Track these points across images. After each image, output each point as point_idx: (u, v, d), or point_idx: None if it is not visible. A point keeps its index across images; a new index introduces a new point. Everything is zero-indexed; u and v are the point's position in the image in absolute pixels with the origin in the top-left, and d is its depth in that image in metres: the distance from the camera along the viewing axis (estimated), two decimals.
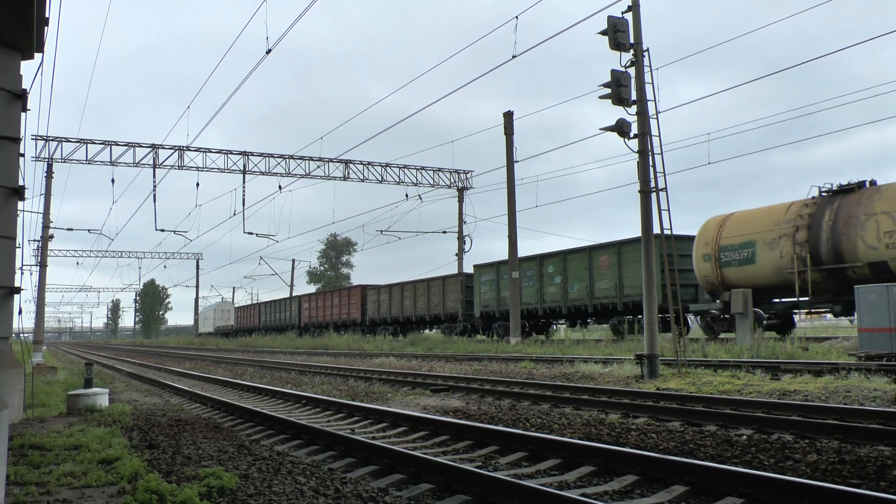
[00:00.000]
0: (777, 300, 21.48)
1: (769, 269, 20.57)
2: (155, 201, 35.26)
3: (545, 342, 27.83)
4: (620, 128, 13.92)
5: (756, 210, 21.91)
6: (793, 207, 20.50)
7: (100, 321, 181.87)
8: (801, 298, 19.76)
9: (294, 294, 58.45)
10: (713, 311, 21.87)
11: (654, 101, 14.19)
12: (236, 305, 74.27)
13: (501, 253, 31.03)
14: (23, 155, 9.46)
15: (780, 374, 12.28)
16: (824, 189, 20.08)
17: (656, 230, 14.12)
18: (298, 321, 51.54)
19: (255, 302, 68.23)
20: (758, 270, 20.87)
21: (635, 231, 25.32)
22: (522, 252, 29.05)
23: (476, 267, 33.21)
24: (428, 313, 36.85)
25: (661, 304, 22.30)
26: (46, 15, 9.02)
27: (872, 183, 19.36)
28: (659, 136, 14.17)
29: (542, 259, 29.05)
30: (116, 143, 35.17)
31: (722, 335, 22.27)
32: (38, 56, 9.60)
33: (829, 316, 19.25)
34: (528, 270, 29.42)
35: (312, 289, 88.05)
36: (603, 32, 14.02)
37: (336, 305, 46.27)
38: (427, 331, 37.60)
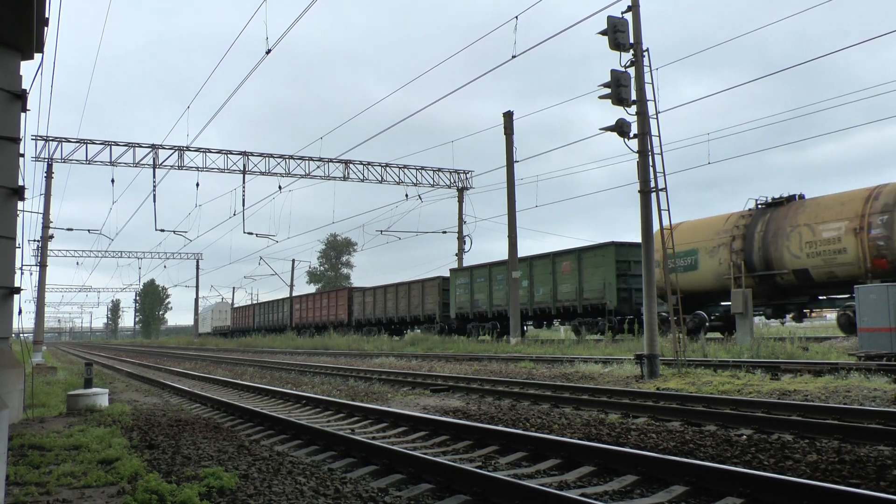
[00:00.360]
0: (722, 303, 22.92)
1: (710, 275, 22.28)
2: (155, 201, 35.28)
3: (542, 342, 27.83)
4: (620, 128, 13.92)
5: (700, 220, 23.61)
6: (731, 218, 22.21)
7: (100, 321, 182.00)
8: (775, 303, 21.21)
9: (287, 296, 60.01)
10: (662, 314, 22.54)
11: (654, 101, 14.21)
12: (233, 306, 75.70)
13: (501, 253, 31.52)
14: (23, 155, 9.46)
15: (779, 374, 12.28)
16: (760, 202, 21.82)
17: (657, 229, 14.12)
18: (290, 321, 53.45)
19: (251, 303, 70.52)
20: (700, 276, 22.59)
21: (635, 230, 25.53)
22: (518, 253, 29.13)
23: (452, 271, 35.08)
24: (409, 314, 38.74)
25: (616, 307, 25.65)
26: (46, 15, 9.02)
27: (801, 197, 21.14)
28: (659, 136, 14.19)
29: (497, 265, 31.50)
30: (116, 144, 35.17)
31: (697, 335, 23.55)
32: (37, 56, 9.60)
33: (830, 315, 19.62)
34: (498, 275, 31.32)
35: (312, 289, 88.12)
36: (603, 32, 14.02)
37: (325, 307, 48.09)
38: (409, 331, 39.58)
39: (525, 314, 29.57)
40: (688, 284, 21.99)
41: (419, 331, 37.75)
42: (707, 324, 22.69)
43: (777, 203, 21.45)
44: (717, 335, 22.79)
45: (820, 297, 20.82)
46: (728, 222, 22.25)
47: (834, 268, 19.25)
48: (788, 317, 21.88)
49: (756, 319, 22.37)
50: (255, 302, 70.70)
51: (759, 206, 21.88)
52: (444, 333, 34.71)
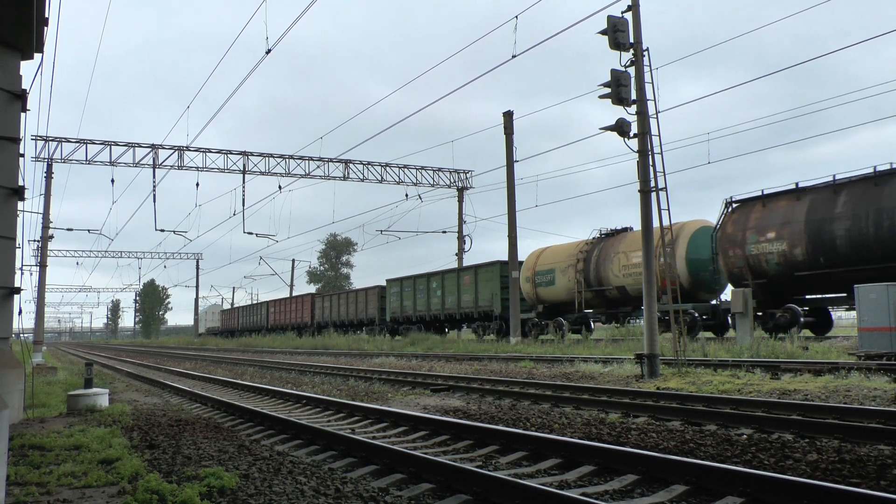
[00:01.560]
0: (573, 312, 28.50)
1: (563, 289, 28.25)
2: (155, 201, 35.27)
3: (542, 343, 27.87)
4: (620, 127, 13.92)
5: (557, 246, 29.83)
6: (579, 245, 28.12)
7: (100, 321, 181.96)
8: (578, 311, 27.85)
9: (263, 300, 65.60)
10: (533, 319, 29.67)
11: (654, 100, 14.20)
12: (224, 308, 79.75)
13: (501, 252, 32.11)
14: (23, 155, 9.46)
15: (779, 374, 12.28)
16: (604, 232, 27.61)
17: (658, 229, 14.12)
18: (266, 323, 59.35)
19: (235, 306, 76.71)
20: (556, 290, 28.59)
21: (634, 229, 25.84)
22: (518, 254, 29.45)
23: (388, 281, 40.38)
24: (356, 317, 44.23)
25: (501, 314, 31.11)
26: (46, 15, 9.02)
27: (630, 229, 26.87)
28: (659, 135, 14.18)
29: (428, 277, 36.31)
30: (116, 144, 35.16)
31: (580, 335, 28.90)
32: (37, 56, 9.60)
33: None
34: (420, 286, 36.51)
35: (312, 289, 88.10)
36: (603, 32, 14.01)
37: (293, 310, 53.68)
38: (357, 331, 44.44)
39: (439, 318, 35.43)
40: (548, 296, 28.81)
41: (364, 331, 43.00)
42: (564, 327, 28.13)
43: (609, 234, 27.31)
44: (577, 336, 28.38)
45: (641, 308, 22.46)
46: (576, 248, 28.03)
47: (641, 286, 21.22)
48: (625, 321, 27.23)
49: (601, 324, 28.97)
50: (238, 305, 76.45)
51: (599, 237, 27.60)
52: (381, 334, 39.68)
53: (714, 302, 24.09)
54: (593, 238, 27.70)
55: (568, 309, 28.38)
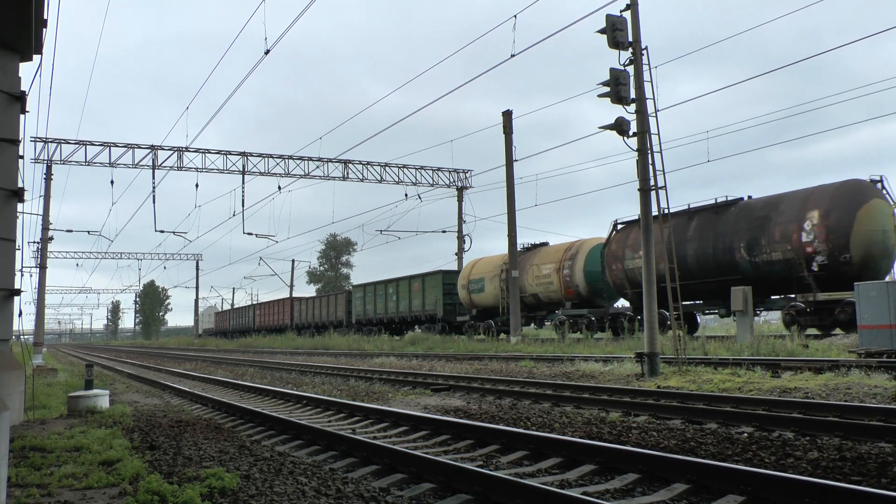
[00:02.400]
0: (499, 315, 31.64)
1: (491, 296, 32.11)
2: (154, 202, 35.26)
3: (542, 341, 27.89)
4: (619, 126, 13.92)
5: (488, 258, 33.54)
6: (503, 257, 30.82)
7: (100, 322, 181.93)
8: (502, 315, 30.61)
9: (256, 302, 70.77)
10: (469, 321, 33.63)
11: (653, 99, 14.20)
12: (215, 311, 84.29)
13: (500, 251, 32.41)
14: (22, 157, 9.45)
15: (780, 372, 12.28)
16: (525, 246, 30.83)
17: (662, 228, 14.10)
18: (253, 324, 63.85)
19: (226, 309, 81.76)
20: (486, 296, 32.50)
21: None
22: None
23: (353, 287, 46.06)
24: (327, 319, 48.56)
25: (443, 317, 35.52)
26: (45, 16, 9.01)
27: (546, 244, 30.63)
28: (658, 133, 14.18)
29: (386, 283, 40.84)
30: (115, 145, 35.16)
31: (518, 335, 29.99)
32: (36, 58, 9.60)
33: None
34: (380, 291, 41.35)
35: (313, 288, 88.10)
36: (601, 31, 14.01)
37: (275, 313, 58.49)
38: (328, 332, 47.48)
39: (394, 320, 39.76)
40: (480, 301, 32.97)
41: (336, 332, 45.87)
42: (493, 328, 31.52)
43: (528, 248, 30.94)
44: (504, 335, 30.51)
45: (556, 311, 29.42)
46: (501, 260, 31.25)
47: (550, 294, 28.90)
48: (546, 323, 31.25)
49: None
50: (228, 308, 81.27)
51: (519, 250, 29.99)
52: (348, 333, 43.02)
53: (605, 307, 27.74)
54: (519, 252, 30.46)
55: (496, 313, 32.05)
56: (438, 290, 35.86)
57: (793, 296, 20.15)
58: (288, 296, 60.48)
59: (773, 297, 21.27)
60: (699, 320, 25.92)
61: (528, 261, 29.94)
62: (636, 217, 23.39)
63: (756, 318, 23.29)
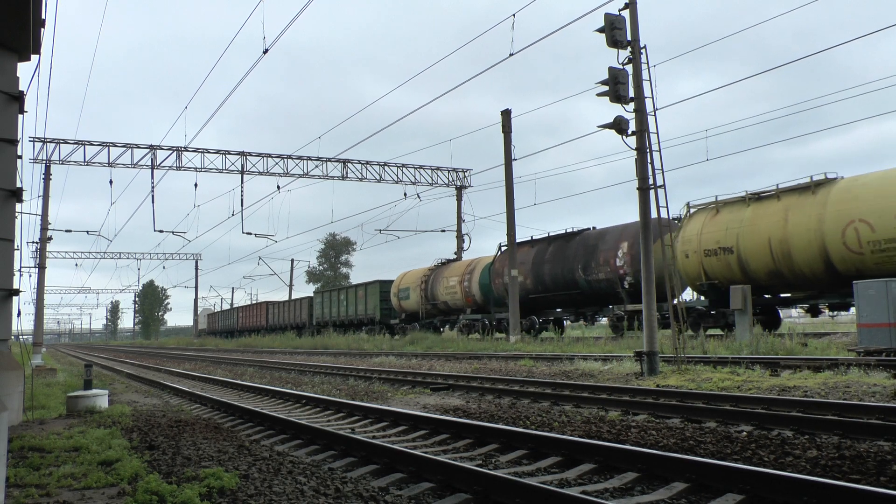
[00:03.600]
0: (421, 319, 37.86)
1: (414, 302, 37.76)
2: (153, 202, 35.24)
3: (543, 341, 27.90)
4: (618, 125, 13.91)
5: (413, 270, 39.43)
6: (424, 271, 37.74)
7: (99, 322, 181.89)
8: (423, 319, 37.27)
9: (236, 306, 78.89)
10: (399, 324, 39.16)
11: (652, 98, 14.20)
12: (208, 312, 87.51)
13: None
14: (20, 157, 9.44)
15: (779, 370, 12.29)
16: (440, 261, 37.31)
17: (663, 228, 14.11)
18: (236, 325, 69.51)
19: (217, 310, 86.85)
20: (410, 303, 38.19)
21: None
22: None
23: (314, 293, 53.07)
24: (294, 322, 54.16)
25: (381, 320, 41.35)
26: (43, 16, 9.00)
27: (457, 259, 37.25)
28: (657, 132, 14.18)
29: (339, 290, 47.73)
30: (114, 145, 35.14)
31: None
32: (34, 57, 9.59)
33: (827, 311, 21.19)
34: (334, 297, 47.51)
35: (312, 288, 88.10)
36: (600, 30, 14.00)
37: (254, 315, 64.75)
38: (295, 332, 53.86)
39: (343, 322, 45.58)
40: (406, 307, 38.69)
41: (300, 332, 52.30)
42: (417, 327, 37.24)
43: (443, 263, 37.20)
44: (431, 333, 35.17)
45: (460, 316, 35.09)
46: (422, 273, 37.71)
47: (455, 302, 34.93)
48: (455, 326, 35.77)
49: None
50: (218, 311, 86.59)
51: (435, 265, 37.15)
52: (309, 334, 49.55)
53: (493, 313, 32.46)
54: (432, 266, 37.78)
55: (417, 317, 37.78)
56: (377, 297, 41.70)
57: (611, 307, 26.24)
58: (263, 301, 66.32)
59: (606, 306, 26.92)
60: (572, 324, 32.37)
61: (441, 274, 36.01)
62: (525, 238, 30.48)
63: (597, 322, 29.88)
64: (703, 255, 21.89)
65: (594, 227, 27.70)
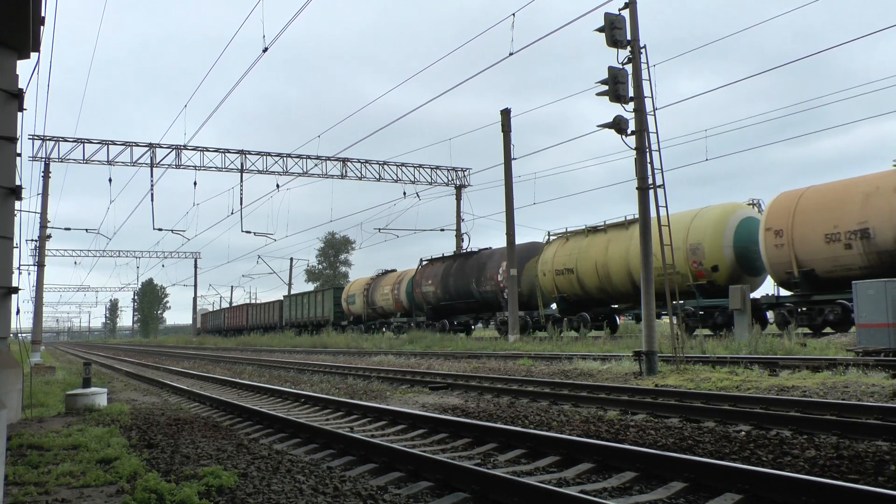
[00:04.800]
0: (366, 321, 44.50)
1: (359, 306, 44.49)
2: (153, 200, 35.22)
3: (540, 340, 27.92)
4: (618, 125, 13.91)
5: (360, 279, 46.86)
6: (368, 280, 44.71)
7: (98, 321, 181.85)
8: (366, 321, 44.04)
9: (224, 307, 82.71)
10: (349, 325, 45.89)
11: (652, 97, 14.20)
12: (202, 312, 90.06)
13: (498, 248, 32.54)
14: (19, 154, 9.44)
15: (777, 370, 12.30)
16: (380, 272, 43.90)
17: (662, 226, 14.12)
18: (224, 325, 75.19)
19: (210, 311, 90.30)
20: (357, 307, 44.83)
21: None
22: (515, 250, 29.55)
23: (284, 297, 57.72)
24: (268, 322, 60.27)
25: (334, 321, 47.63)
26: (42, 14, 9.00)
27: (394, 270, 43.14)
28: (657, 132, 14.18)
29: (303, 295, 54.11)
30: (114, 143, 35.12)
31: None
32: (34, 55, 9.58)
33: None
34: (299, 300, 53.91)
35: (311, 287, 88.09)
36: (600, 29, 14.00)
37: (238, 316, 70.76)
38: (273, 331, 58.85)
39: (307, 323, 51.35)
40: (353, 311, 45.48)
41: (274, 332, 57.22)
42: (362, 326, 44.04)
43: (381, 273, 43.74)
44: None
45: (390, 319, 42.03)
46: (365, 282, 44.83)
47: (389, 307, 41.17)
48: (386, 328, 42.66)
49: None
50: (210, 311, 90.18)
51: (376, 275, 44.01)
52: (281, 332, 54.08)
53: (414, 316, 38.65)
54: (373, 276, 44.56)
55: (360, 319, 44.61)
56: (331, 301, 47.97)
57: (496, 313, 32.25)
58: (245, 303, 73.26)
59: (493, 312, 32.89)
60: (473, 327, 37.78)
61: (379, 283, 42.94)
62: (436, 256, 37.10)
63: (490, 325, 34.74)
64: (555, 274, 27.87)
65: (490, 248, 33.41)
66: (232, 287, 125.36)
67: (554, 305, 28.91)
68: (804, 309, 19.51)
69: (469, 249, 34.82)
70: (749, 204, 22.99)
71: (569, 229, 27.96)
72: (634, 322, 27.56)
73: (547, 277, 28.19)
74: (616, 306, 26.70)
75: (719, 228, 22.10)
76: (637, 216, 14.39)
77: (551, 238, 29.05)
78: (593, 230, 26.66)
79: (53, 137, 34.19)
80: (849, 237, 18.46)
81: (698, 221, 22.73)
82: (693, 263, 22.48)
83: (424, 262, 37.52)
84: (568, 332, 27.34)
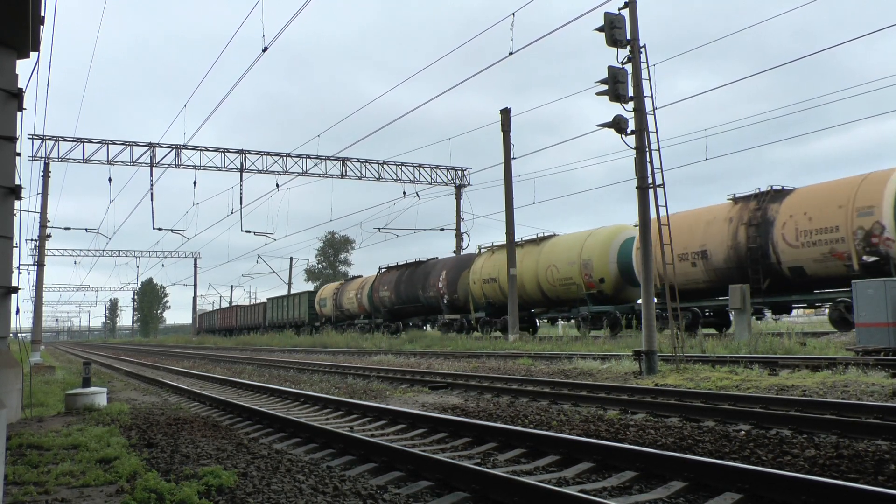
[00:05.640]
0: (335, 322, 48.51)
1: (329, 309, 48.61)
2: (152, 200, 35.20)
3: (540, 339, 27.93)
4: (618, 124, 13.91)
5: (330, 285, 51.53)
6: (336, 285, 49.33)
7: (98, 320, 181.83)
8: (335, 322, 48.11)
9: (221, 306, 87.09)
10: (321, 325, 49.61)
11: (652, 97, 14.20)
12: (199, 313, 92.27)
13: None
14: (19, 154, 9.44)
15: (777, 370, 12.30)
16: (349, 278, 49.44)
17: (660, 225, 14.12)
18: (217, 325, 79.48)
19: (204, 311, 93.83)
20: (327, 310, 48.72)
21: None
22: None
23: (267, 300, 61.07)
24: (253, 323, 64.76)
25: (308, 322, 52.12)
26: (42, 14, 9.00)
27: (360, 276, 46.93)
28: (656, 131, 14.18)
29: (284, 298, 58.29)
30: (113, 142, 35.11)
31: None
32: (33, 55, 9.58)
33: (551, 323, 28.43)
34: (280, 304, 58.42)
35: (311, 286, 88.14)
36: (600, 29, 14.00)
37: (229, 317, 75.01)
38: (256, 331, 63.27)
39: (286, 324, 55.85)
40: (324, 313, 49.61)
41: (258, 332, 61.87)
42: (343, 326, 47.20)
43: (350, 280, 48.56)
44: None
45: (354, 322, 45.37)
46: (335, 287, 49.25)
47: (353, 310, 45.06)
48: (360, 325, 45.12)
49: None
50: (206, 311, 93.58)
51: (343, 282, 48.78)
52: (265, 333, 58.53)
53: (374, 318, 42.89)
54: (342, 282, 49.85)
55: (331, 320, 48.93)
56: (306, 304, 52.51)
57: (438, 316, 36.30)
58: (235, 305, 77.42)
59: (436, 316, 36.73)
60: (423, 328, 40.02)
61: (345, 288, 47.15)
62: (392, 264, 40.84)
63: (434, 327, 38.14)
64: (482, 283, 31.73)
65: (436, 258, 37.76)
66: (232, 287, 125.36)
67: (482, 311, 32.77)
68: (665, 314, 21.53)
69: (417, 259, 38.53)
70: (635, 226, 24.94)
71: (494, 244, 31.92)
72: (549, 324, 33.84)
73: (476, 285, 32.18)
74: (534, 311, 30.46)
75: (605, 247, 25.96)
76: (637, 217, 14.38)
77: (481, 251, 33.06)
78: (516, 245, 29.65)
79: (53, 137, 34.19)
80: (694, 257, 22.34)
81: (590, 240, 26.58)
82: (585, 276, 26.29)
83: (382, 270, 41.86)
84: (494, 332, 31.44)
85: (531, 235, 29.79)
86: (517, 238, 28.66)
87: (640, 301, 22.20)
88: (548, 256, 28.21)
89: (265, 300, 62.34)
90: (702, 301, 22.37)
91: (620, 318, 25.57)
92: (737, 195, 21.80)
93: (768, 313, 22.13)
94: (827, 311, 19.79)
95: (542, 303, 29.01)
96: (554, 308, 29.19)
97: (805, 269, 19.50)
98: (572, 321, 28.66)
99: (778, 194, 20.52)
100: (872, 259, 18.09)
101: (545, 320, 31.72)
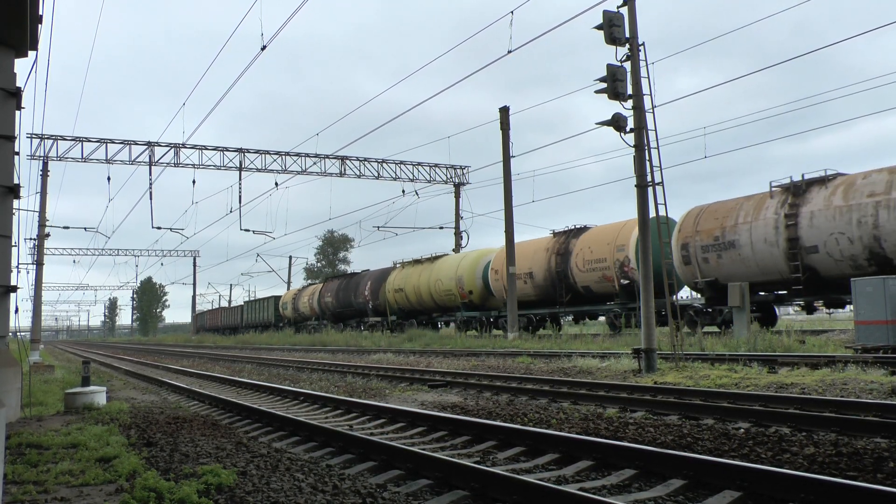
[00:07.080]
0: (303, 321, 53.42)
1: (290, 311, 53.90)
2: (151, 199, 35.18)
3: (539, 338, 27.94)
4: (617, 122, 13.91)
5: (293, 289, 57.30)
6: (296, 290, 55.63)
7: (97, 319, 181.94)
8: (294, 324, 54.21)
9: (216, 307, 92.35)
10: (284, 326, 55.07)
11: (650, 95, 14.19)
12: (197, 312, 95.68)
13: (497, 246, 32.71)
14: (18, 153, 9.43)
15: (776, 368, 12.31)
16: (305, 284, 62.07)
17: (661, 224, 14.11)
18: (206, 325, 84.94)
19: (197, 312, 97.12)
20: (288, 312, 53.99)
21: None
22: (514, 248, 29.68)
23: (244, 302, 69.01)
24: (235, 323, 69.88)
25: (274, 323, 59.40)
26: (40, 13, 8.99)
27: (328, 280, 50.63)
28: (655, 130, 14.18)
29: (256, 301, 65.23)
30: (112, 141, 35.06)
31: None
32: (32, 54, 9.57)
33: (824, 310, 23.75)
34: (252, 306, 65.79)
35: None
36: (598, 27, 13.99)
37: (216, 317, 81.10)
38: (241, 331, 68.24)
39: (259, 324, 62.26)
40: (287, 315, 54.94)
41: (238, 331, 68.02)
42: (325, 323, 50.17)
43: (307, 286, 53.65)
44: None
45: (308, 322, 52.31)
46: (296, 291, 55.04)
47: (307, 312, 51.16)
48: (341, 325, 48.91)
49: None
50: (200, 311, 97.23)
51: (300, 288, 53.62)
52: (244, 333, 64.16)
53: (320, 321, 49.17)
54: (300, 287, 56.51)
55: (292, 322, 54.43)
56: (272, 307, 58.94)
57: (364, 318, 43.15)
58: (220, 307, 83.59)
59: (363, 318, 43.55)
60: (362, 329, 44.17)
61: (302, 293, 52.58)
62: (335, 274, 48.68)
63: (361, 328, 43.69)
64: (394, 292, 38.44)
65: (368, 270, 44.94)
66: (231, 285, 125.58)
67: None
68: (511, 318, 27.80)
69: (352, 272, 47.75)
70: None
71: (404, 260, 39.06)
72: (444, 326, 39.12)
73: (391, 294, 39.03)
74: (434, 315, 37.28)
75: (474, 267, 33.44)
76: (637, 215, 14.38)
77: (396, 265, 40.11)
78: (417, 262, 37.66)
79: (52, 136, 34.14)
80: (524, 277, 29.14)
81: (464, 261, 34.13)
82: (459, 289, 33.64)
83: (328, 279, 50.88)
84: (404, 332, 36.23)
85: (429, 255, 37.05)
86: (446, 251, 37.03)
87: (496, 310, 32.10)
88: (437, 272, 35.38)
89: (242, 303, 70.59)
90: (532, 310, 29.71)
91: (485, 321, 32.78)
92: (555, 231, 29.01)
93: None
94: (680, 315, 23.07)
95: (435, 308, 36.65)
96: (445, 313, 36.53)
97: (591, 288, 26.45)
98: (451, 325, 36.72)
99: (578, 231, 27.67)
100: (626, 282, 24.36)
101: (441, 323, 38.47)
